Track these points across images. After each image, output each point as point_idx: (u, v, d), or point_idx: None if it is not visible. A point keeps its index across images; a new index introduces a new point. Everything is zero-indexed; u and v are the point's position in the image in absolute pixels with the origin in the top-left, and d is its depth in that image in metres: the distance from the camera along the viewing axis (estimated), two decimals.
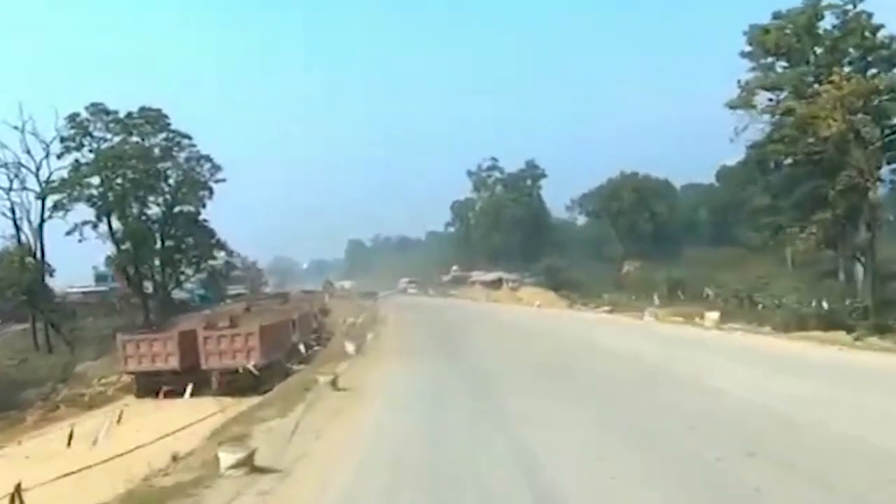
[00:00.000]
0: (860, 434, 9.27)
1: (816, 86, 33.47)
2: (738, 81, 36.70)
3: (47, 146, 46.63)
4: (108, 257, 52.39)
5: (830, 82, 31.05)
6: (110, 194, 49.02)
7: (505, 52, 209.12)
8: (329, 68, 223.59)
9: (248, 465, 9.19)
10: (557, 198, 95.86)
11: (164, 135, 52.53)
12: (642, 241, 75.27)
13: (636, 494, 7.46)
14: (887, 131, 32.60)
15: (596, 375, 16.52)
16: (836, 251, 36.81)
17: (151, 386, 26.35)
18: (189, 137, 53.64)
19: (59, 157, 47.47)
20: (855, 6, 35.58)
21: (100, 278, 60.47)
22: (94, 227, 49.22)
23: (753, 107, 35.94)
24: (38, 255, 45.49)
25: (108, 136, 50.38)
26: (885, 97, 33.03)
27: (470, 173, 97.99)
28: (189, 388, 22.78)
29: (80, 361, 36.91)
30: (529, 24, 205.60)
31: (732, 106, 36.06)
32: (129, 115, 50.95)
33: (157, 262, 53.12)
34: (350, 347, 24.79)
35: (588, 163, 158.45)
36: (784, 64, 37.17)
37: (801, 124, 32.33)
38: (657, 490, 7.49)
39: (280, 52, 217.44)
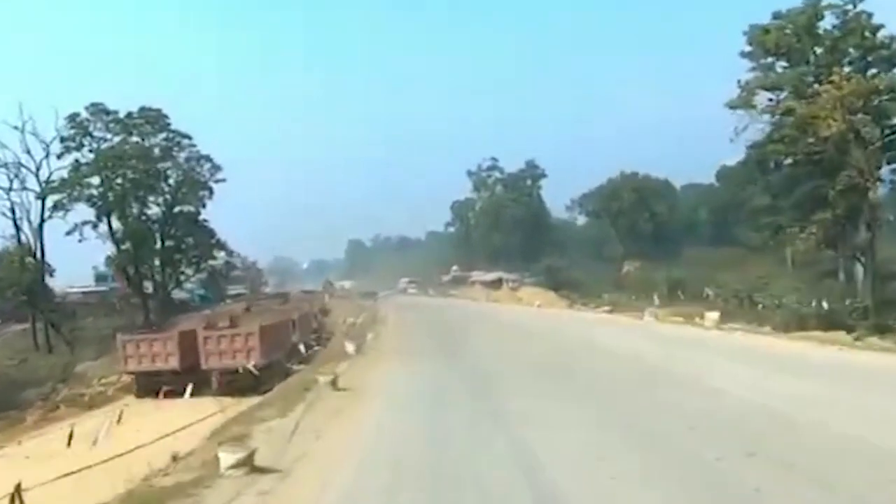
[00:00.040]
0: (860, 434, 9.26)
1: (816, 86, 33.48)
2: (738, 81, 36.82)
3: (47, 146, 46.79)
4: (108, 257, 52.44)
5: (830, 82, 31.06)
6: (110, 194, 49.03)
7: (505, 52, 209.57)
8: (329, 68, 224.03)
9: (248, 465, 9.19)
10: (557, 198, 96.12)
11: (164, 135, 52.55)
12: (642, 241, 75.25)
13: (636, 494, 7.46)
14: (887, 131, 32.61)
15: (596, 375, 16.52)
16: (836, 251, 36.81)
17: (151, 386, 26.35)
18: (189, 137, 53.76)
19: (59, 157, 47.65)
20: (855, 6, 35.64)
21: (100, 278, 60.46)
22: (94, 227, 49.33)
23: (753, 107, 35.96)
24: (38, 255, 45.50)
25: (108, 136, 50.45)
26: (885, 97, 33.04)
27: (470, 173, 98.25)
28: (189, 388, 22.77)
29: (80, 361, 36.91)
30: (529, 24, 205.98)
31: (732, 106, 36.08)
32: (129, 115, 50.96)
33: (157, 262, 53.12)
34: (350, 347, 24.79)
35: (588, 163, 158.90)
36: (784, 64, 37.19)
37: (801, 124, 32.34)
38: (657, 490, 7.49)
39: (280, 52, 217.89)
